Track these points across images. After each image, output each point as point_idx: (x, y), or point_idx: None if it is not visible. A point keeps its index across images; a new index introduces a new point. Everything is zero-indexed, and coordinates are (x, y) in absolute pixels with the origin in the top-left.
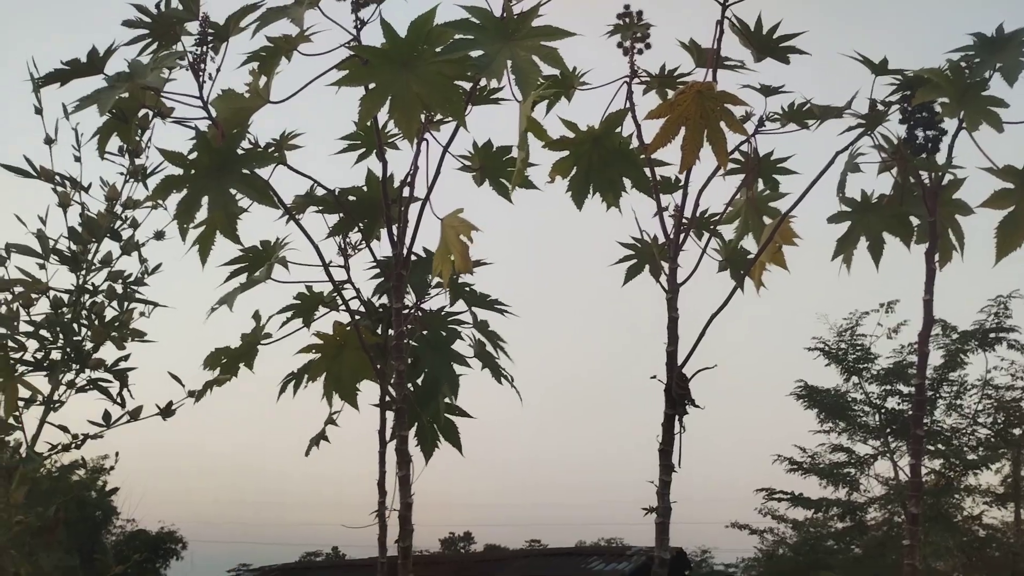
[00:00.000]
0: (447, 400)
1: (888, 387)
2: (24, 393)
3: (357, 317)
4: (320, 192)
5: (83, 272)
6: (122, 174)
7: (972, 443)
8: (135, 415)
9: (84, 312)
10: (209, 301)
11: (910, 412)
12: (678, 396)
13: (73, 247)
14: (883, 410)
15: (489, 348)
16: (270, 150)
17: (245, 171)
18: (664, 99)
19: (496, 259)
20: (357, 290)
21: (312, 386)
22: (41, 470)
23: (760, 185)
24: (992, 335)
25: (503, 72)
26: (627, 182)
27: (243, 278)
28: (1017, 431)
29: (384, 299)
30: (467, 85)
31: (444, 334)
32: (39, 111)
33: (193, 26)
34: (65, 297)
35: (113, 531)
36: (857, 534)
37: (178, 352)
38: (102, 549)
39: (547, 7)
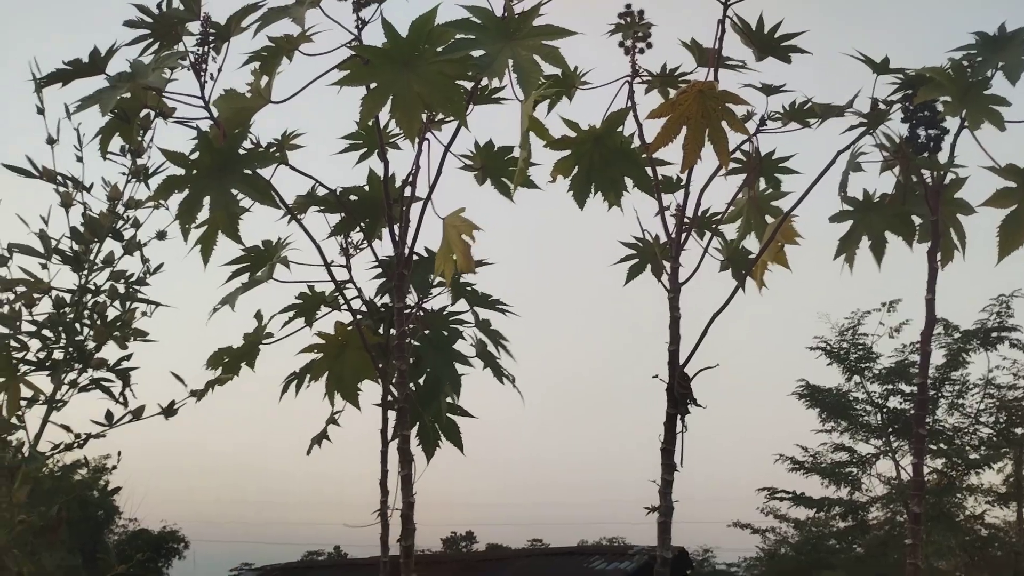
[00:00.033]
0: (449, 400)
1: (890, 386)
2: (26, 393)
3: (359, 317)
4: (322, 192)
5: (85, 272)
6: (124, 174)
7: (974, 442)
8: (137, 415)
9: (86, 312)
10: (211, 301)
11: (912, 411)
12: (680, 395)
13: (75, 247)
14: (885, 409)
15: (491, 348)
16: (272, 150)
17: (247, 171)
18: (665, 98)
19: (498, 258)
20: (359, 290)
21: (314, 386)
22: (43, 469)
23: (762, 184)
24: (994, 334)
25: (504, 71)
26: (629, 181)
27: (245, 278)
28: (1019, 430)
29: (386, 299)
30: (468, 85)
31: (446, 334)
32: (41, 111)
33: (194, 26)
34: (67, 297)
35: (115, 530)
36: (859, 533)
37: (180, 352)
38: (104, 548)
39: (548, 7)
